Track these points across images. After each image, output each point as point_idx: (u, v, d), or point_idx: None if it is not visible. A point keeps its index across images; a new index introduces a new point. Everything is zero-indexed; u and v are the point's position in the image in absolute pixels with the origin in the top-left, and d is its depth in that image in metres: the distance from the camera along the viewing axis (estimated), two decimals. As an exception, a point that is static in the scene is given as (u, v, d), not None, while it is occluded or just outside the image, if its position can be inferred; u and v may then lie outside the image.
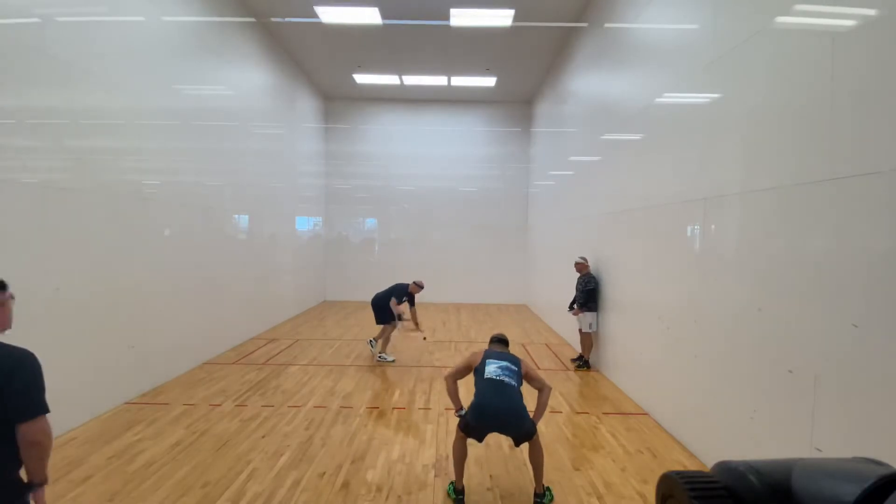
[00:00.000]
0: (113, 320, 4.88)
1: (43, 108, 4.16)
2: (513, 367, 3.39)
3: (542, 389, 3.38)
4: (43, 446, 1.75)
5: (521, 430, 3.24)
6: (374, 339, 7.16)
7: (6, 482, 1.73)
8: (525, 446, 3.48)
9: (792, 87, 3.07)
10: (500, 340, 3.79)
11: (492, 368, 3.35)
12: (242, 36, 8.11)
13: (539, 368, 6.81)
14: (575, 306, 6.87)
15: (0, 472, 1.70)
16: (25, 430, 1.69)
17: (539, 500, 3.28)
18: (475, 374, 3.44)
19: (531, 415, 3.34)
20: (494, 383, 3.28)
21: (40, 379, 1.77)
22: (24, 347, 1.81)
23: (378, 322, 7.14)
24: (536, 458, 3.29)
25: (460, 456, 3.35)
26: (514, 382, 3.30)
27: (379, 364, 6.88)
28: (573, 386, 6.11)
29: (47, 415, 1.77)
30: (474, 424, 3.28)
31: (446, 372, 3.46)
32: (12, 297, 1.90)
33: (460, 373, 3.52)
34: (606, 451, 4.18)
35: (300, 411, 4.98)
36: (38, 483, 1.79)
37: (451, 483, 3.44)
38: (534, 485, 3.34)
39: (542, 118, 11.86)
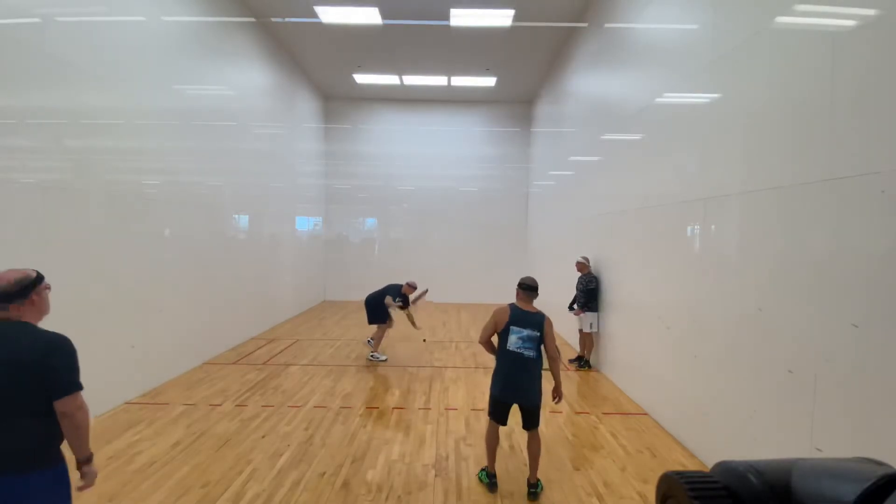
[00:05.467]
0: (113, 320, 4.88)
1: (43, 108, 4.16)
2: (535, 333, 3.42)
3: (553, 360, 3.47)
4: (76, 420, 1.94)
5: (536, 402, 3.45)
6: (371, 338, 7.17)
7: (47, 452, 1.91)
8: (524, 440, 3.61)
9: (792, 87, 3.07)
10: (529, 287, 3.58)
11: (513, 340, 3.42)
12: (242, 36, 8.11)
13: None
14: (576, 307, 6.86)
15: (41, 442, 1.90)
16: (60, 406, 1.90)
17: (533, 489, 3.41)
18: (499, 337, 3.52)
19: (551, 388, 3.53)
20: (514, 356, 3.42)
21: (75, 360, 1.97)
22: (60, 332, 1.99)
23: (370, 322, 7.12)
24: (534, 450, 3.46)
25: (493, 443, 3.56)
26: (533, 353, 3.41)
27: (377, 364, 6.88)
28: (573, 386, 6.11)
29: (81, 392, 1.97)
30: (498, 396, 3.49)
31: (479, 337, 3.59)
32: (48, 287, 2.07)
33: (490, 333, 3.56)
34: (606, 451, 4.18)
35: (300, 411, 4.99)
36: (82, 460, 2.00)
37: (484, 469, 3.63)
38: (528, 476, 3.49)
39: (542, 118, 11.86)
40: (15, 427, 1.86)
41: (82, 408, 1.96)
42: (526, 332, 3.41)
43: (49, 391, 1.88)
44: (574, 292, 6.96)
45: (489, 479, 3.53)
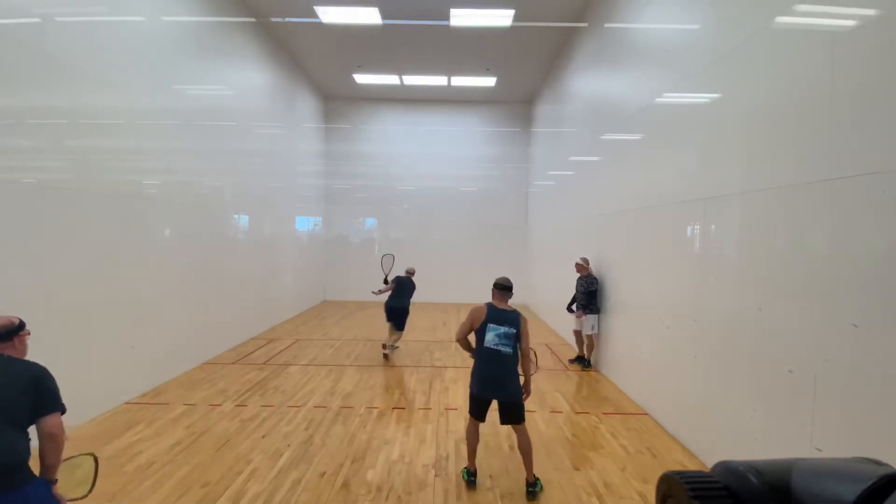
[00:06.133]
0: (113, 320, 4.88)
1: (43, 108, 4.16)
2: (511, 330, 3.50)
3: (525, 357, 3.57)
4: (58, 439, 2.09)
5: (514, 397, 3.49)
6: (385, 344, 7.29)
7: (21, 467, 2.01)
8: (514, 439, 3.67)
9: (792, 87, 3.07)
10: (504, 287, 3.70)
11: (490, 337, 3.50)
12: (242, 36, 8.11)
13: (539, 369, 6.80)
14: (574, 307, 6.82)
15: (16, 457, 2.00)
16: (48, 423, 2.07)
17: (532, 488, 3.42)
18: (476, 335, 3.60)
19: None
20: (491, 353, 3.50)
21: (57, 385, 2.19)
22: (35, 361, 2.18)
23: (400, 328, 7.26)
24: (524, 446, 3.49)
25: (473, 441, 3.60)
26: (509, 350, 3.49)
27: (379, 364, 6.88)
28: (573, 386, 6.11)
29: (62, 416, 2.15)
30: (476, 393, 3.55)
31: (456, 335, 3.70)
32: (28, 333, 2.29)
33: (466, 331, 3.65)
34: (606, 451, 4.18)
35: (300, 411, 4.99)
36: (52, 482, 2.09)
37: (465, 468, 3.65)
38: (525, 475, 3.50)
39: (542, 118, 11.86)
40: (16, 440, 2.02)
41: (63, 429, 2.14)
42: (503, 330, 3.50)
43: (39, 409, 2.08)
44: (573, 293, 6.95)
45: (468, 477, 3.57)
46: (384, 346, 7.17)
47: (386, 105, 13.36)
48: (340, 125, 13.36)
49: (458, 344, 3.75)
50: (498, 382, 3.50)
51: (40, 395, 2.09)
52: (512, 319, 3.54)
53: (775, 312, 3.15)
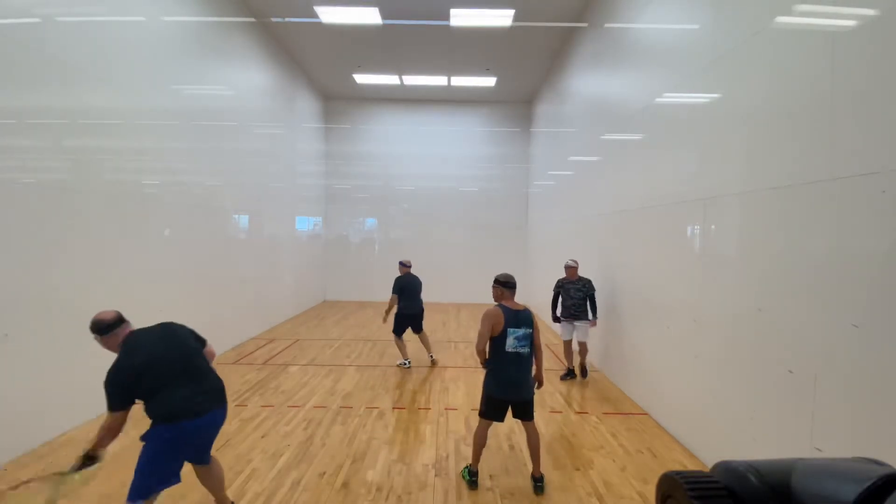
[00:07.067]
0: (113, 320, 4.87)
1: (43, 108, 4.16)
2: (528, 331, 3.51)
3: (539, 350, 3.61)
4: (214, 355, 3.16)
5: (531, 395, 3.56)
6: (432, 353, 7.04)
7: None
8: (523, 439, 3.68)
9: (792, 87, 3.07)
10: (513, 285, 3.65)
11: (511, 341, 3.47)
12: (242, 36, 8.11)
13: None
14: (561, 315, 6.29)
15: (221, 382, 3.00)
16: (208, 349, 3.14)
17: (539, 482, 3.47)
18: (493, 340, 3.51)
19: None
20: (513, 357, 3.47)
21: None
22: None
23: (419, 330, 6.91)
24: (535, 442, 3.54)
25: (481, 442, 3.59)
26: (528, 350, 3.51)
27: (379, 364, 6.88)
28: (573, 386, 6.11)
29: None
30: (498, 397, 3.51)
31: (477, 345, 3.56)
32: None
33: (487, 338, 3.54)
34: (606, 451, 4.18)
35: (300, 411, 4.98)
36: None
37: (467, 467, 3.64)
38: (532, 470, 3.56)
39: (542, 118, 11.86)
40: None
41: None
42: (521, 331, 3.47)
43: (201, 344, 3.07)
44: (553, 298, 6.42)
45: (471, 477, 3.55)
46: (431, 357, 6.95)
47: (386, 105, 13.36)
48: (340, 125, 13.36)
49: (477, 354, 3.59)
50: (519, 384, 3.51)
51: (196, 338, 3.05)
52: (528, 319, 3.51)
53: (775, 312, 3.15)
